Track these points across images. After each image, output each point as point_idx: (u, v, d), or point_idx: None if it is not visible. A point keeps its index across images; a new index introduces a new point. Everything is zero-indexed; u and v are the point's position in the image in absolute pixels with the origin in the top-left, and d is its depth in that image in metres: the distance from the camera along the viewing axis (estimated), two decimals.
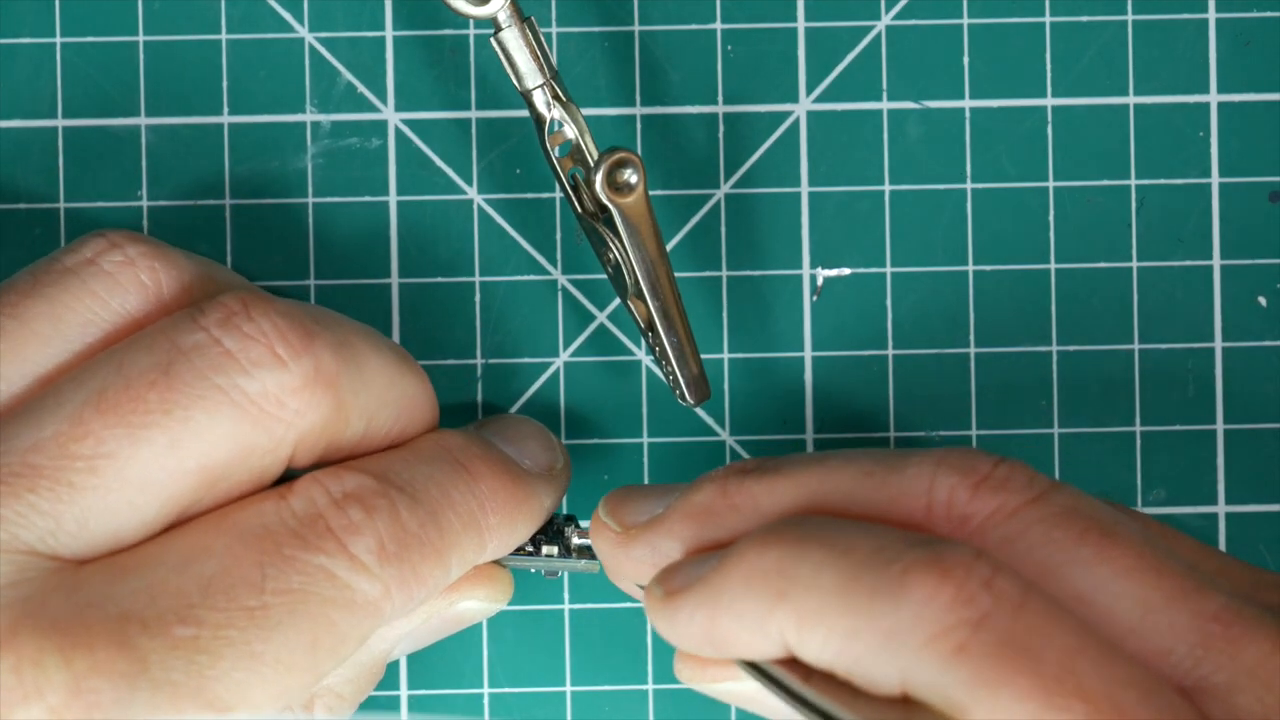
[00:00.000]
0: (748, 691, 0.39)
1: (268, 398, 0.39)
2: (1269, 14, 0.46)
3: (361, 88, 0.46)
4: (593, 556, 0.43)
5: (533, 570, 0.44)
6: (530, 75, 0.41)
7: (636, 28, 0.46)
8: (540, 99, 0.41)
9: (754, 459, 0.40)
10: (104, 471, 0.38)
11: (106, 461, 0.38)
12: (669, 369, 0.43)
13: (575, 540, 0.44)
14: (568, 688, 0.46)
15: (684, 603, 0.38)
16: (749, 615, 0.37)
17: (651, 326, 0.43)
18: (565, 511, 0.45)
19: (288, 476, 0.40)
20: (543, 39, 0.41)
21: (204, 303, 0.40)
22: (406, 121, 0.46)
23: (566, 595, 0.46)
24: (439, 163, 0.46)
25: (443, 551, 0.40)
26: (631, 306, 0.43)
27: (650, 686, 0.46)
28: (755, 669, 0.38)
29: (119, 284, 0.40)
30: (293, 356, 0.39)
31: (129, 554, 0.39)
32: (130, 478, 0.38)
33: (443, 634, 0.44)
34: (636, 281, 0.42)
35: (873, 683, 0.36)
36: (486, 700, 0.46)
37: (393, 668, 0.46)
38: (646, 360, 0.46)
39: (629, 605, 0.46)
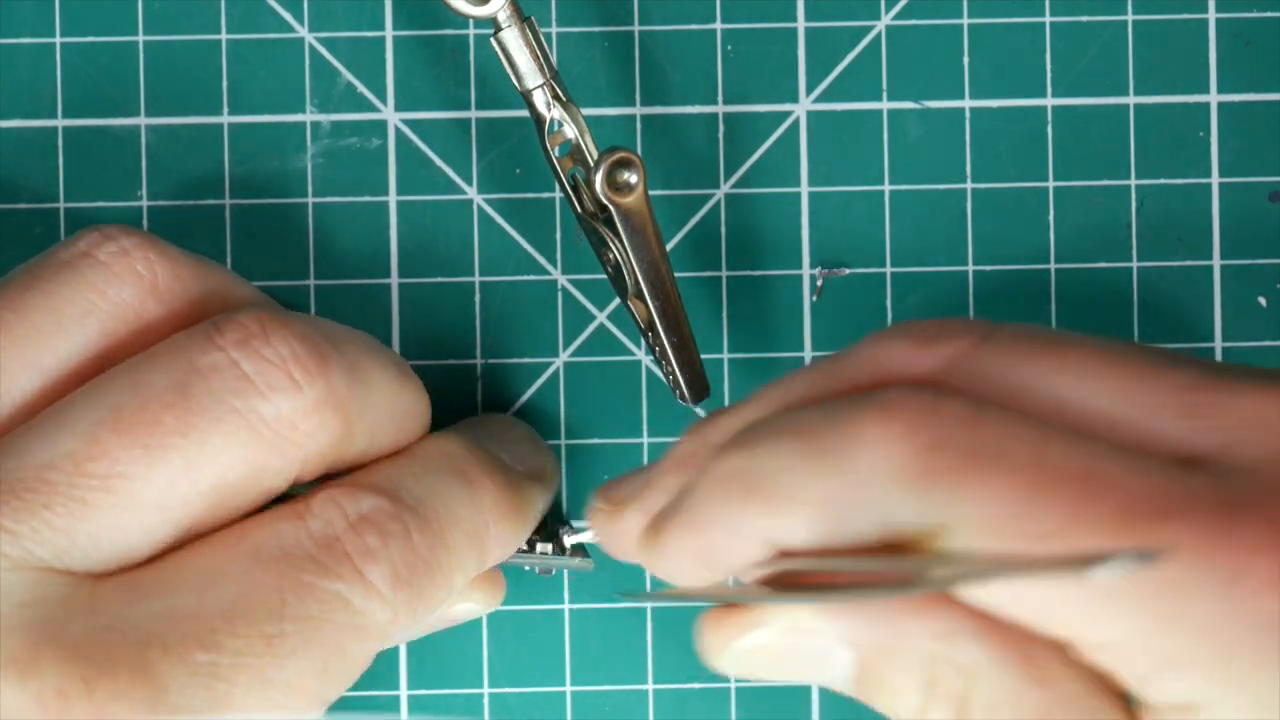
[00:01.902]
0: (776, 645, 0.38)
1: (282, 421, 0.39)
2: (1269, 14, 0.46)
3: (361, 88, 0.46)
4: (586, 555, 0.44)
5: (527, 568, 0.45)
6: (530, 75, 0.41)
7: (636, 28, 0.46)
8: (540, 99, 0.41)
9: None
10: (119, 491, 0.38)
11: (122, 482, 0.38)
12: (669, 369, 0.43)
13: (569, 539, 0.44)
14: (568, 688, 0.46)
15: (667, 533, 0.38)
16: (725, 520, 0.37)
17: (651, 326, 0.43)
18: (564, 513, 0.45)
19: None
20: (543, 39, 0.41)
21: (220, 319, 0.40)
22: (406, 121, 0.46)
23: (566, 595, 0.46)
24: (439, 163, 0.46)
25: (450, 572, 0.41)
26: (631, 306, 0.43)
27: (650, 686, 0.46)
28: (768, 591, 0.38)
29: (115, 274, 0.40)
30: (308, 381, 0.39)
31: (147, 573, 0.38)
32: (145, 499, 0.38)
33: (432, 631, 0.44)
34: (637, 281, 0.42)
35: (862, 543, 0.36)
36: (486, 700, 0.46)
37: (393, 668, 0.46)
38: (646, 360, 0.46)
39: (629, 605, 0.46)
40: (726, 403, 0.46)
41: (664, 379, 0.44)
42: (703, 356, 0.44)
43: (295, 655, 0.38)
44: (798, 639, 0.38)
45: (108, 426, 0.38)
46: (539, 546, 0.44)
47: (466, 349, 0.46)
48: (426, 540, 0.40)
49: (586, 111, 0.45)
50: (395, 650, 0.46)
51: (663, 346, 0.43)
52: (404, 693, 0.46)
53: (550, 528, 0.44)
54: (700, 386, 0.43)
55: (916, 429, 0.35)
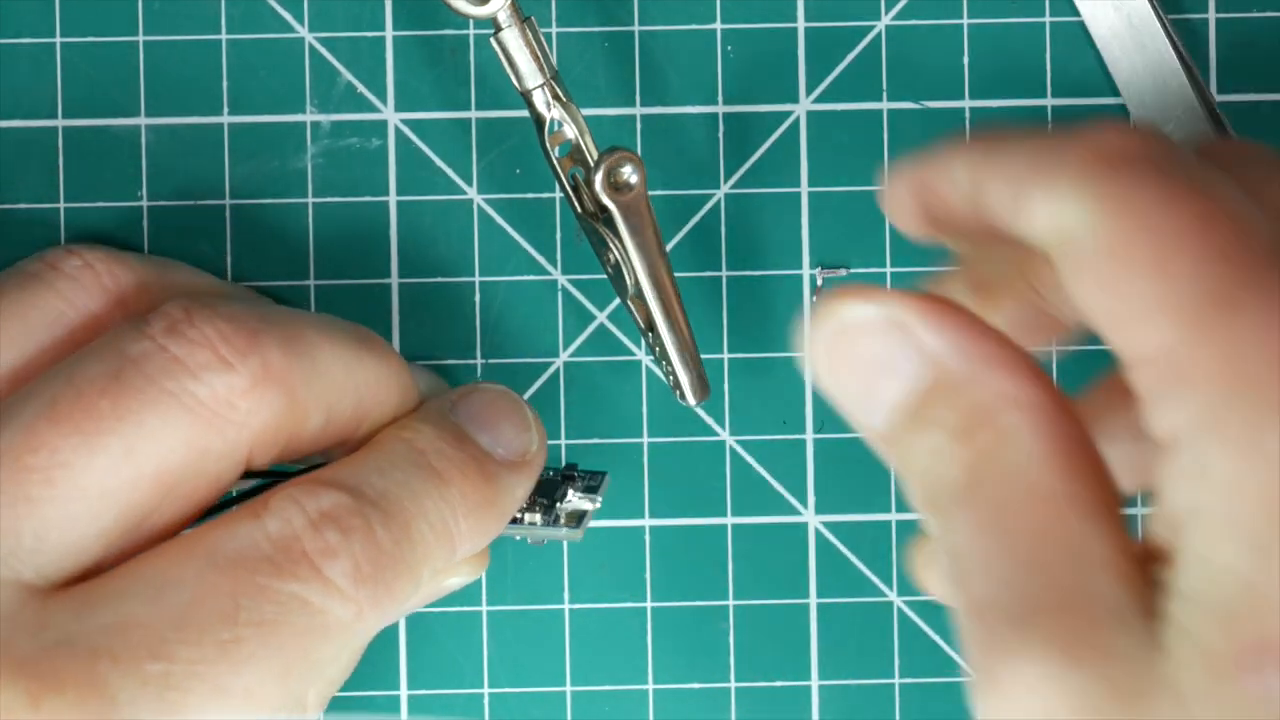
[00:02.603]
0: (873, 327, 0.37)
1: (218, 400, 0.39)
2: (1269, 14, 0.46)
3: (361, 88, 0.46)
4: (577, 525, 0.43)
5: (517, 538, 0.44)
6: (530, 75, 0.41)
7: (636, 28, 0.46)
8: (540, 99, 0.41)
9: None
10: (60, 482, 0.38)
11: (62, 471, 0.38)
12: (669, 369, 0.43)
13: (566, 508, 0.43)
14: (568, 688, 0.46)
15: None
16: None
17: (651, 326, 0.43)
18: (560, 471, 0.45)
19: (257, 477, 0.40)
20: (543, 39, 0.41)
21: (150, 313, 0.40)
22: (406, 121, 0.46)
23: (566, 595, 0.46)
24: (439, 163, 0.46)
25: (415, 566, 0.40)
26: (631, 306, 0.43)
27: (650, 686, 0.46)
28: None
29: (81, 285, 0.41)
30: (239, 358, 0.39)
31: (98, 584, 0.38)
32: (87, 486, 0.38)
33: (423, 605, 0.44)
34: (636, 282, 0.42)
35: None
36: (486, 700, 0.46)
37: (393, 668, 0.46)
38: (646, 360, 0.46)
39: (629, 605, 0.46)
40: (726, 402, 0.46)
41: (664, 379, 0.44)
42: (703, 356, 0.44)
43: (253, 660, 0.38)
44: (889, 336, 0.36)
45: (45, 419, 0.38)
46: (528, 517, 0.43)
47: (466, 349, 0.46)
48: (391, 534, 0.39)
49: (586, 111, 0.45)
50: (395, 650, 0.46)
51: (663, 347, 0.43)
52: (404, 693, 0.46)
53: (549, 492, 0.43)
54: (701, 386, 0.43)
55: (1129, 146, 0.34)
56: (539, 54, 0.41)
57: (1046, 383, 0.36)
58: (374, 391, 0.41)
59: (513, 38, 0.40)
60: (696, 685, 0.46)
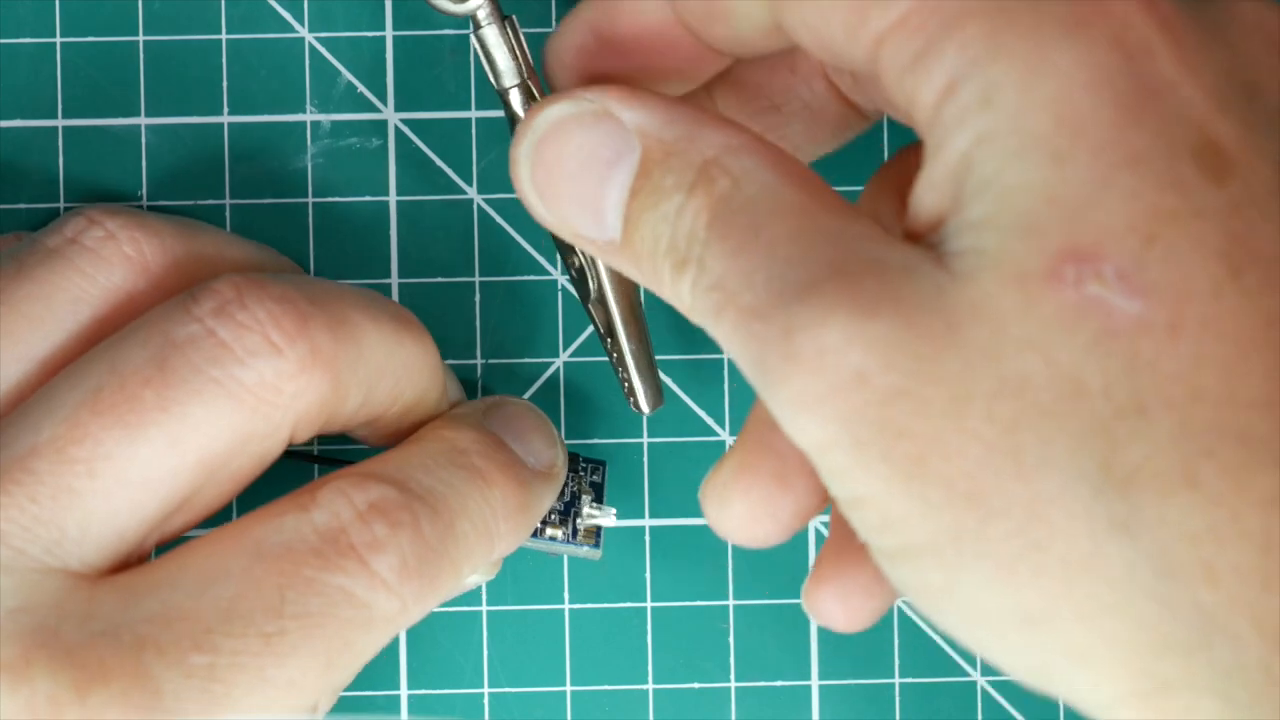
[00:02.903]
0: (574, 124, 0.38)
1: (265, 386, 0.38)
2: None
3: (361, 88, 0.46)
4: (596, 544, 0.43)
5: (535, 549, 0.44)
6: (508, 74, 0.40)
7: None
8: (516, 99, 0.41)
9: None
10: (103, 474, 0.38)
11: (105, 464, 0.38)
12: (625, 375, 0.43)
13: (585, 523, 0.44)
14: (568, 688, 0.46)
15: None
16: None
17: (611, 332, 0.42)
18: (579, 494, 0.45)
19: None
20: (522, 39, 0.41)
21: (196, 289, 0.39)
22: (406, 121, 0.46)
23: (566, 595, 0.46)
24: (439, 163, 0.46)
25: (458, 562, 0.40)
26: (592, 311, 0.43)
27: (650, 686, 0.46)
28: None
29: (104, 259, 0.40)
30: (288, 343, 0.39)
31: (144, 573, 0.38)
32: (131, 478, 0.38)
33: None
34: (600, 286, 0.42)
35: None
36: (486, 700, 0.46)
37: (393, 667, 0.46)
38: None
39: (629, 605, 0.46)
40: (726, 402, 0.46)
41: (620, 385, 0.43)
42: (701, 357, 0.44)
43: (296, 653, 0.38)
44: (597, 126, 0.37)
45: (87, 408, 0.38)
46: (549, 532, 0.44)
47: (466, 349, 0.46)
48: (436, 530, 0.40)
49: None
50: (395, 650, 0.46)
51: (620, 353, 0.42)
52: (404, 693, 0.46)
53: (564, 508, 0.44)
54: (655, 394, 0.43)
55: None
56: (518, 53, 0.40)
57: (763, 138, 0.36)
58: (410, 373, 0.41)
59: (491, 35, 0.40)
60: (696, 685, 0.46)
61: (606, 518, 0.44)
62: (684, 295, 0.35)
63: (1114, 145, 0.32)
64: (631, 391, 0.42)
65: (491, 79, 0.40)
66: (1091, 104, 0.32)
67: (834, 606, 0.40)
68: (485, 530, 0.41)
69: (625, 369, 0.43)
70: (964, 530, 0.32)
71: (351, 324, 0.40)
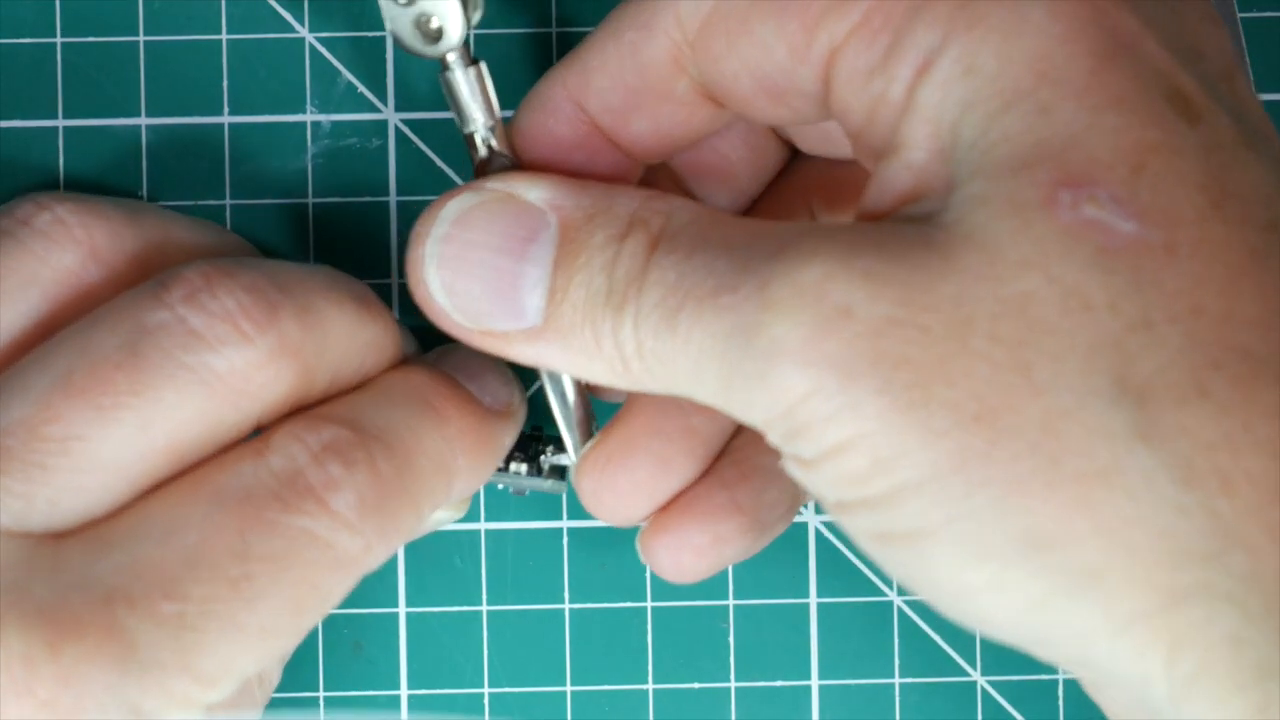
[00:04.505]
0: (488, 208, 0.39)
1: (235, 374, 0.38)
2: (1269, 14, 0.46)
3: (361, 88, 0.46)
4: (562, 478, 0.43)
5: (500, 486, 0.44)
6: (469, 120, 0.40)
7: None
8: (479, 143, 0.40)
9: None
10: (75, 453, 0.38)
11: (77, 444, 0.38)
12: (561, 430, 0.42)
13: (549, 461, 0.43)
14: (568, 688, 0.46)
15: None
16: None
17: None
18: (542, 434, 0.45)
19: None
20: (489, 85, 0.40)
21: (165, 277, 0.39)
22: (406, 121, 0.46)
23: (567, 595, 0.46)
24: (439, 163, 0.46)
25: (417, 498, 0.40)
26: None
27: (650, 686, 0.46)
28: None
29: (55, 241, 0.40)
30: (258, 332, 0.39)
31: (108, 526, 0.38)
32: (102, 458, 0.38)
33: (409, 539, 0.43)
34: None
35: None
36: (486, 700, 0.46)
37: (393, 667, 0.46)
38: None
39: (629, 605, 0.46)
40: None
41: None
42: None
43: (265, 596, 0.38)
44: (504, 209, 0.37)
45: (60, 391, 0.38)
46: (513, 466, 0.43)
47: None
48: (393, 466, 0.39)
49: None
50: (395, 650, 0.46)
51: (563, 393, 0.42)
52: (404, 693, 0.46)
53: (528, 449, 0.43)
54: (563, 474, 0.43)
55: None
56: (484, 100, 0.40)
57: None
58: (373, 352, 0.41)
59: (457, 80, 0.40)
60: (696, 685, 0.46)
61: (568, 459, 0.43)
62: (625, 340, 0.36)
63: (1095, 89, 0.33)
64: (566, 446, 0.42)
65: (456, 121, 0.40)
66: (1069, 54, 0.33)
67: (664, 556, 0.41)
68: (442, 464, 0.41)
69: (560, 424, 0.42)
70: (970, 455, 0.32)
71: (318, 311, 0.40)
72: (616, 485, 0.41)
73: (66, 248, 0.40)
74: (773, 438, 0.34)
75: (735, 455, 0.42)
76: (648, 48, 0.38)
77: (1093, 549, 0.32)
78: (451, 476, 0.41)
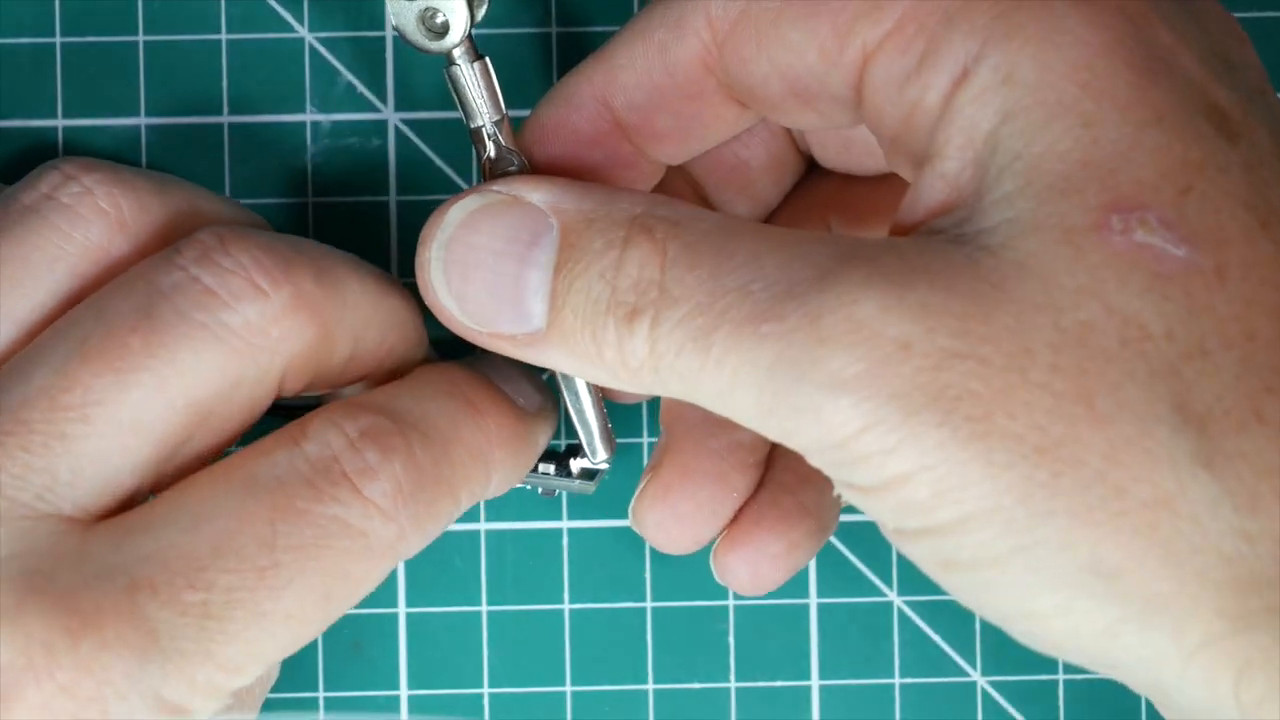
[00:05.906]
0: (490, 209, 0.39)
1: (251, 328, 0.38)
2: (1269, 14, 0.46)
3: (361, 88, 0.46)
4: (590, 478, 0.43)
5: (529, 488, 0.44)
6: (475, 115, 0.40)
7: None
8: (484, 138, 0.40)
9: None
10: (95, 419, 0.38)
11: (97, 409, 0.38)
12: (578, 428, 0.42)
13: (579, 464, 0.43)
14: (568, 688, 0.46)
15: None
16: None
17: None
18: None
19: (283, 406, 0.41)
20: (494, 80, 0.40)
21: (180, 242, 0.39)
22: (406, 121, 0.46)
23: (567, 595, 0.46)
24: (439, 163, 0.46)
25: (455, 486, 0.40)
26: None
27: (650, 686, 0.46)
28: None
29: (80, 215, 0.40)
30: (272, 285, 0.39)
31: (136, 515, 0.38)
32: (122, 421, 0.38)
33: None
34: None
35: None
36: (486, 700, 0.46)
37: (393, 667, 0.46)
38: None
39: (629, 605, 0.46)
40: None
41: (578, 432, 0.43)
42: None
43: (291, 585, 0.38)
44: (508, 212, 0.38)
45: (77, 358, 0.38)
46: (542, 466, 0.43)
47: (467, 349, 0.46)
48: (430, 455, 0.39)
49: None
50: (395, 650, 0.46)
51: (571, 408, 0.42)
52: (404, 693, 0.46)
53: (558, 460, 0.43)
54: (608, 441, 0.43)
55: None
56: (489, 95, 0.40)
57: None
58: (397, 327, 0.41)
59: (462, 75, 0.40)
60: (696, 685, 0.46)
61: (600, 464, 0.43)
62: (638, 348, 0.36)
63: (1137, 105, 0.33)
64: (587, 443, 0.42)
65: (462, 116, 0.40)
66: (1110, 67, 0.33)
67: (743, 570, 0.41)
68: (480, 456, 0.40)
69: (578, 423, 0.42)
70: (1034, 486, 0.32)
71: (334, 272, 0.40)
72: (680, 512, 0.41)
73: (93, 221, 0.40)
74: (817, 462, 0.34)
75: (786, 461, 0.42)
76: (677, 47, 0.38)
77: (1160, 577, 0.32)
78: (489, 468, 0.41)
